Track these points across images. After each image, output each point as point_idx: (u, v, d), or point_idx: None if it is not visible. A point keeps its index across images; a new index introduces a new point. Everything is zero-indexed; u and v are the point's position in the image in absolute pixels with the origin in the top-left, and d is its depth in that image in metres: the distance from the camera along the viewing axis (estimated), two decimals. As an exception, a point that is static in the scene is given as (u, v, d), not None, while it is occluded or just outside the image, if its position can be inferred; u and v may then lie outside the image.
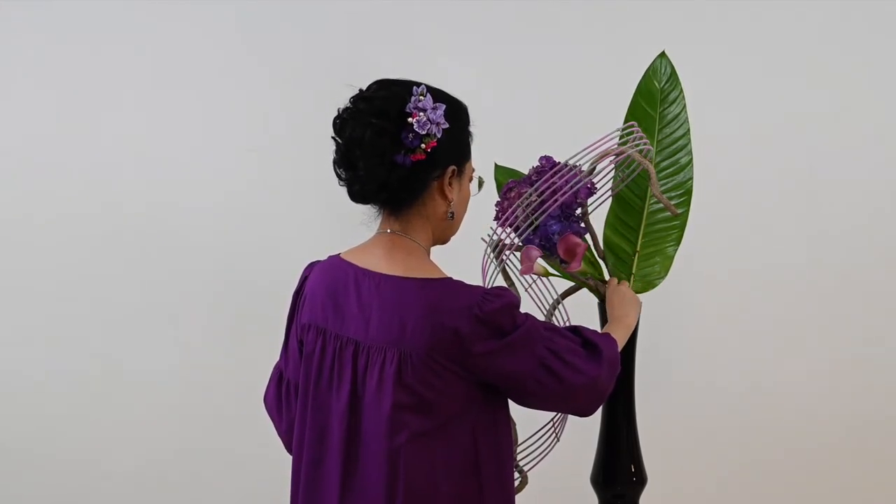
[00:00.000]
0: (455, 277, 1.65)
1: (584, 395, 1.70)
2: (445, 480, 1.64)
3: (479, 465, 1.67)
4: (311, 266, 1.79)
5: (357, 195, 1.64)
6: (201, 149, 3.20)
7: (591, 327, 1.83)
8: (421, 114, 1.58)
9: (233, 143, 3.19)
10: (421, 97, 1.60)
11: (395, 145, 1.59)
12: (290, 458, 1.79)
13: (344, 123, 1.62)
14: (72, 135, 3.21)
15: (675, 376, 3.09)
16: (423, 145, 1.59)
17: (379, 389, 1.61)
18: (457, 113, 1.66)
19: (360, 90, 1.64)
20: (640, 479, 2.09)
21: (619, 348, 1.81)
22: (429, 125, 1.58)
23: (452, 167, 1.66)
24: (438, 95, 1.64)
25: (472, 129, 1.72)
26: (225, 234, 3.21)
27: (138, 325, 3.23)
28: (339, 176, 1.65)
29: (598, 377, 1.69)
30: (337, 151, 1.63)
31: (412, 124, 1.58)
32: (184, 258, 3.21)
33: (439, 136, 1.60)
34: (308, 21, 3.17)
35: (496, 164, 2.13)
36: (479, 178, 1.76)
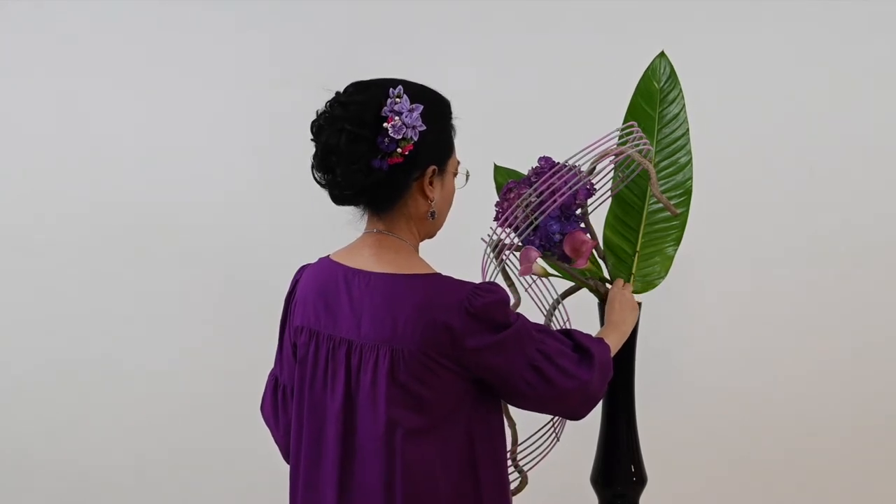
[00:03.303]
0: (452, 275, 1.65)
1: (574, 399, 1.70)
2: (443, 479, 1.64)
3: (475, 463, 1.67)
4: (302, 269, 1.79)
5: (337, 199, 1.64)
6: (202, 148, 3.20)
7: (590, 329, 1.83)
8: (396, 118, 1.57)
9: (234, 143, 3.19)
10: (397, 99, 1.58)
11: (371, 150, 1.57)
12: (291, 466, 1.78)
13: (320, 129, 1.61)
14: (72, 134, 3.21)
15: (675, 376, 3.10)
16: (399, 149, 1.57)
17: (373, 388, 1.61)
18: (436, 111, 1.65)
19: (337, 93, 1.63)
20: (640, 479, 2.09)
21: (612, 354, 1.80)
22: (404, 129, 1.57)
23: (433, 167, 1.64)
24: (417, 94, 1.61)
25: (460, 124, 1.70)
26: (226, 233, 3.21)
27: (138, 325, 3.24)
28: (316, 180, 1.64)
29: (588, 382, 1.69)
30: (314, 156, 1.63)
31: (387, 129, 1.56)
32: (184, 258, 3.21)
33: (416, 139, 1.58)
34: (308, 20, 3.17)
35: (496, 165, 2.13)
36: (466, 171, 1.75)
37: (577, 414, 1.75)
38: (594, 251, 2.02)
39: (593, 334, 1.84)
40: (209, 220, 3.21)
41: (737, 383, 3.14)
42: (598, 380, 1.71)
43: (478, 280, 1.80)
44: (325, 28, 3.17)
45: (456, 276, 1.64)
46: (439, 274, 1.64)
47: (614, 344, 1.85)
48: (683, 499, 3.03)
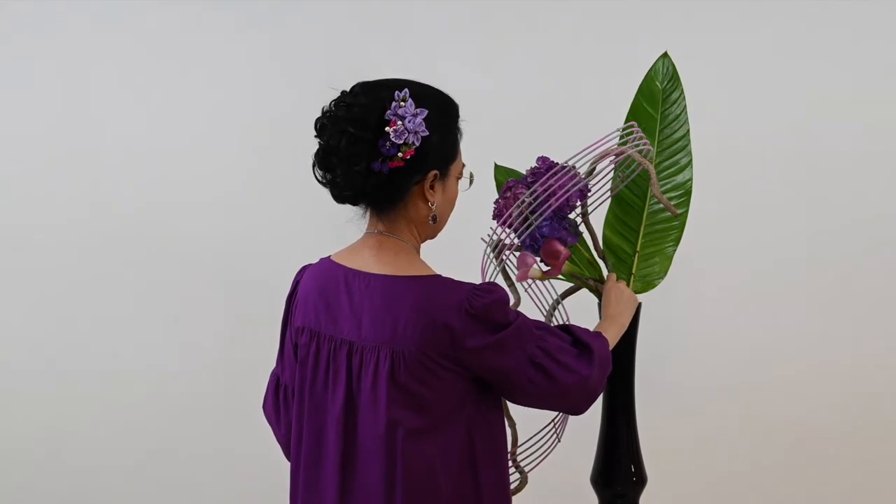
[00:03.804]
0: (454, 276, 1.65)
1: (576, 394, 1.70)
2: (444, 479, 1.64)
3: (476, 463, 1.67)
4: (303, 270, 1.79)
5: (337, 198, 1.64)
6: (202, 148, 3.20)
7: (585, 326, 1.83)
8: (399, 122, 1.56)
9: (234, 143, 3.19)
10: (401, 103, 1.57)
11: (372, 153, 1.57)
12: (291, 465, 1.79)
13: (323, 128, 1.61)
14: (71, 135, 3.21)
15: (675, 376, 3.10)
16: (400, 154, 1.57)
17: (374, 389, 1.62)
18: (442, 115, 1.64)
19: (343, 92, 1.63)
20: (640, 479, 2.09)
21: (611, 347, 1.80)
22: (406, 134, 1.56)
23: (434, 172, 1.64)
24: (424, 97, 1.61)
25: (462, 124, 1.69)
26: (226, 233, 3.21)
27: (138, 326, 3.24)
28: (317, 178, 1.64)
29: (588, 377, 1.69)
30: (316, 154, 1.62)
31: (389, 133, 1.56)
32: (183, 258, 3.21)
33: (417, 144, 1.58)
34: (308, 20, 3.17)
35: (496, 164, 2.13)
36: (470, 173, 1.74)
37: (578, 409, 1.76)
38: (594, 251, 2.02)
39: (591, 328, 1.84)
40: (209, 219, 3.21)
41: (736, 383, 3.14)
42: (597, 374, 1.71)
43: (477, 280, 1.81)
44: (325, 28, 3.17)
45: (456, 277, 1.64)
46: (439, 275, 1.64)
47: (612, 337, 1.85)
48: (683, 499, 3.03)
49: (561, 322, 2.00)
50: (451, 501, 1.65)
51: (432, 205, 1.66)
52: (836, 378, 3.12)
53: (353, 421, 1.65)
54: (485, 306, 1.59)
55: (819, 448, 3.14)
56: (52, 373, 3.25)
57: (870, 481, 3.14)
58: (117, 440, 3.26)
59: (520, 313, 1.66)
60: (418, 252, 1.71)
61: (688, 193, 2.05)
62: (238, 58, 3.20)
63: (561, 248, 1.84)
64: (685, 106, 2.07)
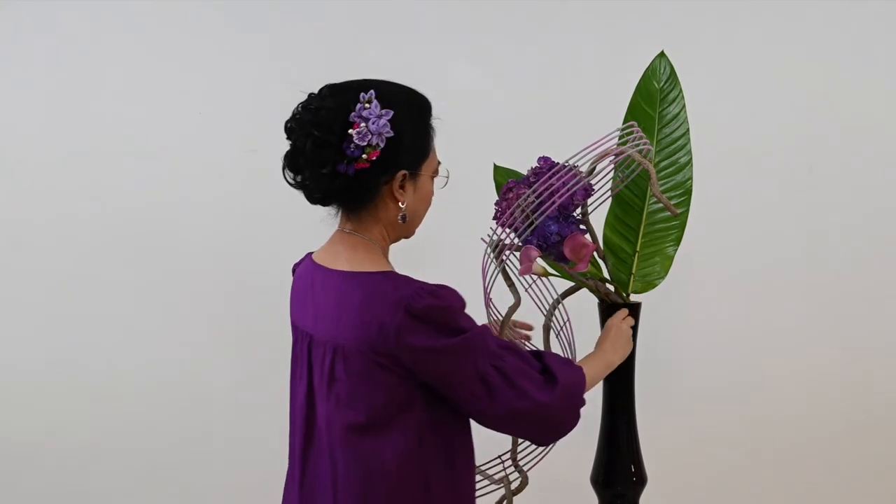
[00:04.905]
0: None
1: (530, 421, 1.64)
2: (381, 479, 1.61)
3: (424, 465, 1.63)
4: (296, 266, 1.84)
5: (308, 199, 1.65)
6: (201, 148, 3.20)
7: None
8: (363, 124, 1.56)
9: (233, 143, 3.19)
10: (366, 105, 1.57)
11: (337, 155, 1.57)
12: (287, 455, 1.82)
13: (291, 131, 1.62)
14: (69, 133, 3.21)
15: (675, 376, 3.10)
16: (364, 156, 1.57)
17: (321, 383, 1.65)
18: (411, 115, 1.63)
19: (310, 95, 1.63)
20: (640, 479, 2.09)
21: (589, 383, 1.74)
22: (369, 136, 1.56)
23: (403, 172, 1.62)
24: (392, 96, 1.60)
25: (436, 123, 1.67)
26: (225, 231, 3.21)
27: (137, 325, 3.23)
28: (287, 180, 1.64)
29: (545, 405, 1.63)
30: (285, 157, 1.63)
31: (352, 136, 1.56)
32: (183, 257, 3.21)
33: (382, 145, 1.57)
34: (308, 19, 3.17)
35: (495, 165, 2.13)
36: (447, 171, 1.73)
37: (539, 438, 1.72)
38: (594, 252, 2.02)
39: (586, 344, 1.82)
40: (209, 218, 3.21)
41: (736, 383, 3.14)
42: (559, 405, 1.65)
43: (479, 281, 1.80)
44: (324, 27, 3.17)
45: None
46: (392, 272, 1.63)
47: (595, 373, 1.79)
48: (683, 499, 3.03)
49: (561, 322, 2.00)
50: (396, 500, 1.62)
51: (402, 205, 1.64)
52: (836, 378, 3.12)
53: (312, 413, 1.68)
54: (427, 307, 1.55)
55: (819, 448, 3.14)
56: (51, 372, 3.24)
57: (869, 480, 3.14)
58: (117, 439, 3.25)
59: (484, 328, 1.62)
60: (385, 250, 1.69)
61: (688, 193, 2.05)
62: (238, 57, 3.19)
63: (587, 241, 1.83)
64: (684, 105, 2.07)
